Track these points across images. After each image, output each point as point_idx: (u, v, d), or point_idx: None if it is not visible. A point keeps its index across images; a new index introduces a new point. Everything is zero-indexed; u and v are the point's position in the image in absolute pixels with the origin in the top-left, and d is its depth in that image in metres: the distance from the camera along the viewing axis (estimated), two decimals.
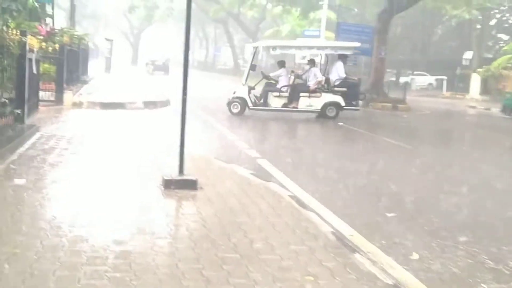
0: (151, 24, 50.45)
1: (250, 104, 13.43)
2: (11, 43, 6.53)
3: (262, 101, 13.79)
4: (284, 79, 13.88)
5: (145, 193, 4.89)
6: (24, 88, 7.67)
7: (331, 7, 24.80)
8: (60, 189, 4.91)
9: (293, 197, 5.25)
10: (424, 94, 30.71)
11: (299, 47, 16.77)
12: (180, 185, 5.04)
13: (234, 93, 13.65)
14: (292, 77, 14.35)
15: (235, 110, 13.42)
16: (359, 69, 24.12)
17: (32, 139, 7.10)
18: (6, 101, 6.13)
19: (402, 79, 35.88)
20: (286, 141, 10.78)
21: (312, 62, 14.64)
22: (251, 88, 13.68)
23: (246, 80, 13.72)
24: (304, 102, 13.48)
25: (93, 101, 13.14)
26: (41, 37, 13.13)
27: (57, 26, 15.70)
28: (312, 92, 13.47)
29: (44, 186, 4.93)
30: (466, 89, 29.91)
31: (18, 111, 6.98)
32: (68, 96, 12.87)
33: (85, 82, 17.25)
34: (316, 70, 14.10)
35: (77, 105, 12.83)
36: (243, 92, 13.49)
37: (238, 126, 11.88)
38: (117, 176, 5.52)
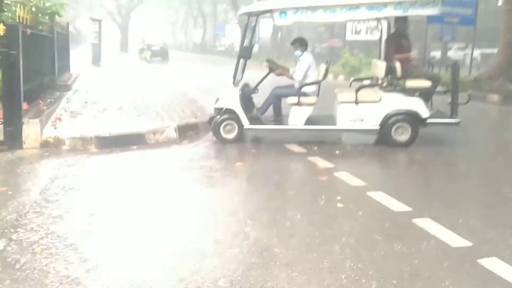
0: (142, 2, 43.25)
1: (245, 122, 7.07)
2: None
3: (273, 114, 7.42)
4: (309, 71, 7.34)
5: None
6: None
7: None
8: None
9: None
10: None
11: (331, 8, 6.96)
12: None
13: (217, 101, 7.29)
14: (324, 67, 7.52)
15: (229, 135, 7.12)
16: None
17: None
18: None
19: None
20: None
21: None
22: (250, 91, 7.38)
23: (236, 77, 7.19)
24: (346, 112, 7.10)
25: (83, 135, 6.67)
26: None
27: None
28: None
29: None
30: None
31: None
32: (33, 129, 6.41)
33: (66, 89, 10.64)
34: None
35: (50, 146, 6.41)
36: (233, 100, 7.11)
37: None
38: None
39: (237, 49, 41.87)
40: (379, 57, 8.16)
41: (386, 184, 5.34)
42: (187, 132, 7.50)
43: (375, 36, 22.38)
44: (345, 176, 5.37)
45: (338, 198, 4.68)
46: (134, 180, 5.24)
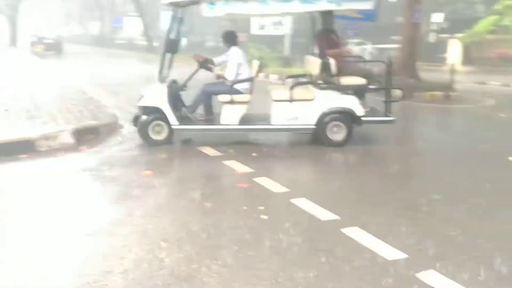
0: None
1: (173, 122, 6.57)
2: None
3: (204, 113, 6.92)
4: (240, 68, 6.86)
5: None
6: None
7: None
8: None
9: None
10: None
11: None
12: None
13: (141, 99, 6.68)
14: (257, 63, 7.46)
15: (158, 137, 6.60)
16: None
17: None
18: None
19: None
20: None
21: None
22: (178, 88, 6.86)
23: (162, 73, 6.73)
24: (280, 110, 6.77)
25: None
26: None
27: None
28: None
29: None
30: (433, 59, 24.72)
31: None
32: None
33: None
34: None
35: None
36: (160, 98, 6.58)
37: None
38: None
39: (137, 41, 40.03)
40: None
41: (311, 189, 5.03)
42: (86, 136, 6.71)
43: (280, 32, 22.56)
44: (266, 182, 4.97)
45: (261, 208, 4.25)
46: (20, 199, 4.45)
